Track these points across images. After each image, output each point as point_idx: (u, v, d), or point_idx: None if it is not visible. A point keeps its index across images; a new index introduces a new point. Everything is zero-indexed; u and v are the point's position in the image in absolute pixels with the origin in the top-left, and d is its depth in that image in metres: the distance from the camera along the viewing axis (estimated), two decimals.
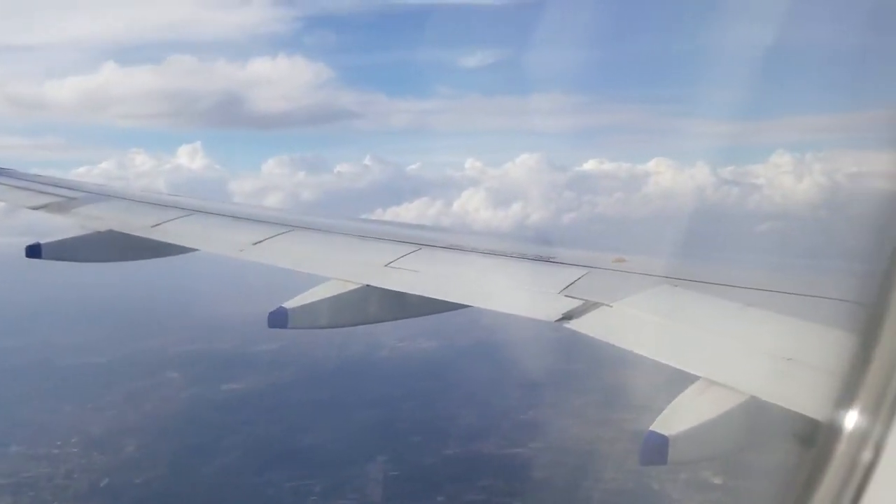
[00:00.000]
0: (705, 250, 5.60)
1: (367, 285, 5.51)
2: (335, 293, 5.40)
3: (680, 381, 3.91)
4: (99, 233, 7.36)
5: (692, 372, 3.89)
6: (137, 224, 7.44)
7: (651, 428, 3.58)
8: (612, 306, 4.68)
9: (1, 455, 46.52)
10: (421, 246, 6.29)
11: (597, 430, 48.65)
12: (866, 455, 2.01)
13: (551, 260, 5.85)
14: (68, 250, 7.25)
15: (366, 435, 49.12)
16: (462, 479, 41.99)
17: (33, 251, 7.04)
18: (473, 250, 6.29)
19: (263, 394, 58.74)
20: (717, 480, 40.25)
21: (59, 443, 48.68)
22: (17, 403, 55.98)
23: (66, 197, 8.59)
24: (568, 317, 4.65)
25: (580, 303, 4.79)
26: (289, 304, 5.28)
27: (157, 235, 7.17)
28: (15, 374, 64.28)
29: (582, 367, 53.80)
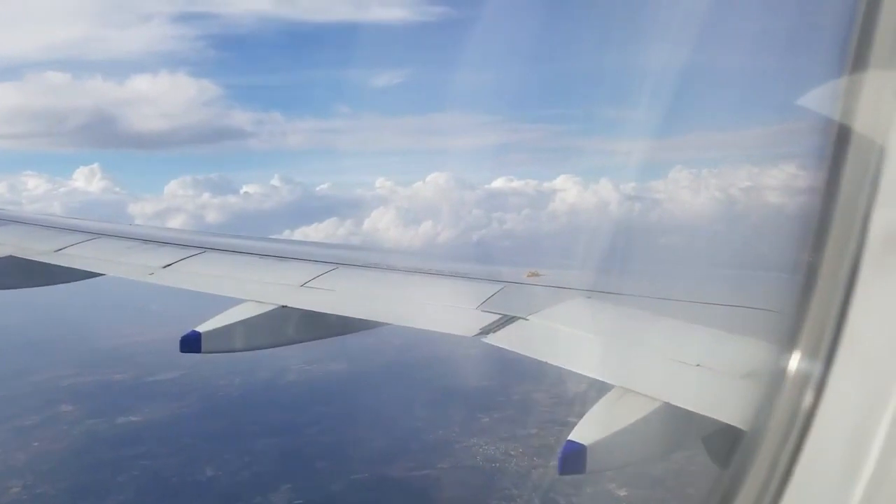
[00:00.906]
0: (614, 263, 5.76)
1: (283, 306, 5.41)
2: (250, 315, 5.28)
3: (596, 390, 4.00)
4: None
5: (607, 381, 3.99)
6: (39, 249, 7.12)
7: (569, 437, 3.64)
8: (528, 319, 4.75)
9: None
10: (337, 265, 6.23)
11: (505, 445, 49.24)
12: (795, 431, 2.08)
13: (467, 276, 5.91)
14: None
15: (269, 464, 47.92)
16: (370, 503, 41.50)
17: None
18: (390, 268, 6.31)
19: (162, 425, 56.44)
20: (623, 492, 41.25)
21: None
22: None
23: None
24: (486, 331, 4.70)
25: (497, 317, 4.84)
26: (202, 328, 5.13)
27: (61, 261, 6.87)
28: None
29: (497, 382, 54.53)
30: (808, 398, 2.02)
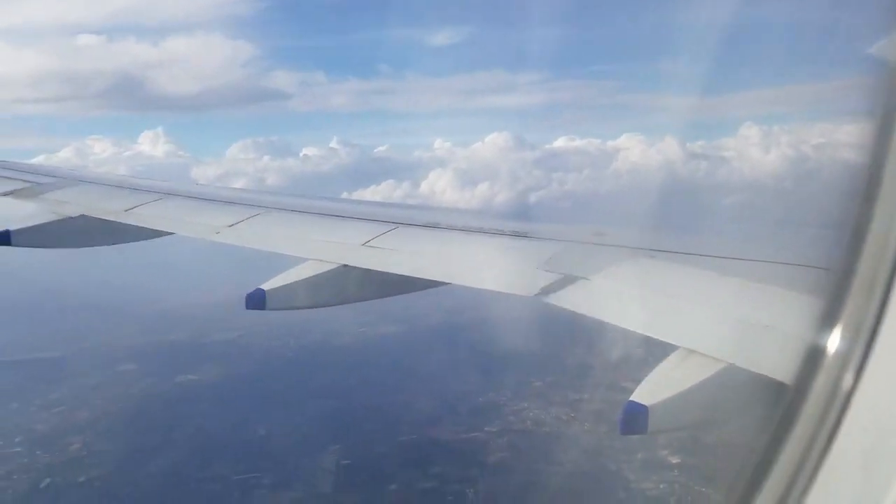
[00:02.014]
0: (679, 222, 5.65)
1: (345, 265, 5.47)
2: (313, 274, 5.38)
3: (659, 351, 3.93)
4: (71, 218, 7.21)
5: (671, 342, 3.92)
6: (110, 208, 7.31)
7: (631, 398, 3.61)
8: (590, 279, 4.68)
9: None
10: (397, 225, 6.26)
11: (557, 410, 49.21)
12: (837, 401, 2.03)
13: (528, 236, 5.85)
14: (39, 237, 7.09)
15: (319, 424, 48.84)
16: (415, 466, 42.02)
17: (2, 238, 6.87)
18: (451, 228, 6.29)
19: (217, 385, 57.98)
20: (675, 459, 41.07)
21: (0, 443, 47.34)
22: None
23: (33, 182, 8.42)
24: (546, 291, 4.65)
25: (559, 277, 4.80)
26: (266, 286, 5.26)
27: (131, 220, 7.07)
28: None
29: (553, 345, 54.26)
30: (847, 378, 1.98)
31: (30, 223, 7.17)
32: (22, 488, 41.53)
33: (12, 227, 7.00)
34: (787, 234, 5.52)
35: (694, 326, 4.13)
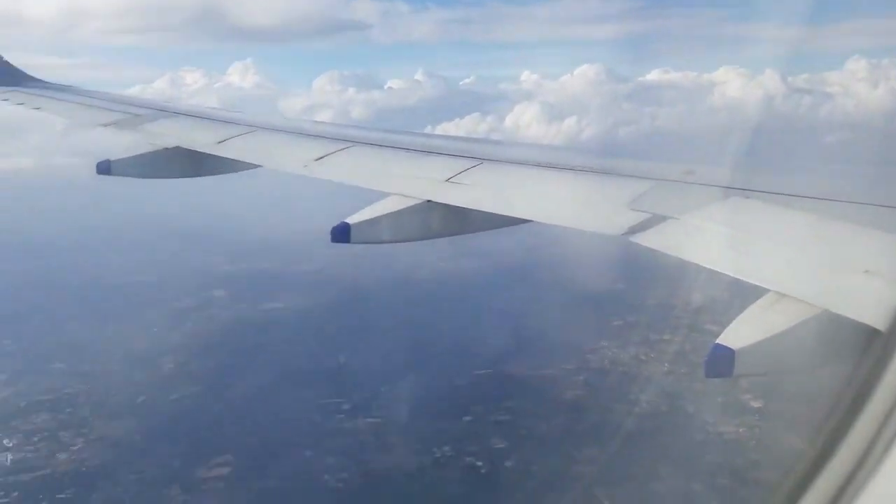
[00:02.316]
0: (777, 162, 5.39)
1: (428, 201, 5.49)
2: (396, 209, 5.43)
3: (747, 295, 3.80)
4: (166, 149, 7.51)
5: (762, 285, 3.78)
6: (203, 141, 7.58)
7: (718, 341, 3.53)
8: (679, 219, 4.54)
9: (44, 371, 48.15)
10: (482, 160, 6.21)
11: (636, 350, 48.83)
12: None
13: (616, 173, 5.72)
14: (136, 167, 7.41)
15: (397, 355, 49.85)
16: (490, 399, 42.58)
17: (103, 168, 7.20)
18: (536, 164, 6.20)
19: (301, 314, 59.84)
20: (757, 404, 40.37)
21: (100, 360, 50.20)
22: (64, 321, 57.74)
23: (131, 114, 8.80)
24: (634, 230, 4.54)
25: (647, 216, 4.67)
26: (351, 219, 5.33)
27: (223, 152, 7.31)
28: (65, 292, 66.19)
29: (635, 285, 53.89)
30: None
31: (128, 154, 7.47)
32: (121, 403, 44.09)
33: (112, 157, 7.30)
34: (892, 175, 5.20)
35: (787, 270, 3.97)
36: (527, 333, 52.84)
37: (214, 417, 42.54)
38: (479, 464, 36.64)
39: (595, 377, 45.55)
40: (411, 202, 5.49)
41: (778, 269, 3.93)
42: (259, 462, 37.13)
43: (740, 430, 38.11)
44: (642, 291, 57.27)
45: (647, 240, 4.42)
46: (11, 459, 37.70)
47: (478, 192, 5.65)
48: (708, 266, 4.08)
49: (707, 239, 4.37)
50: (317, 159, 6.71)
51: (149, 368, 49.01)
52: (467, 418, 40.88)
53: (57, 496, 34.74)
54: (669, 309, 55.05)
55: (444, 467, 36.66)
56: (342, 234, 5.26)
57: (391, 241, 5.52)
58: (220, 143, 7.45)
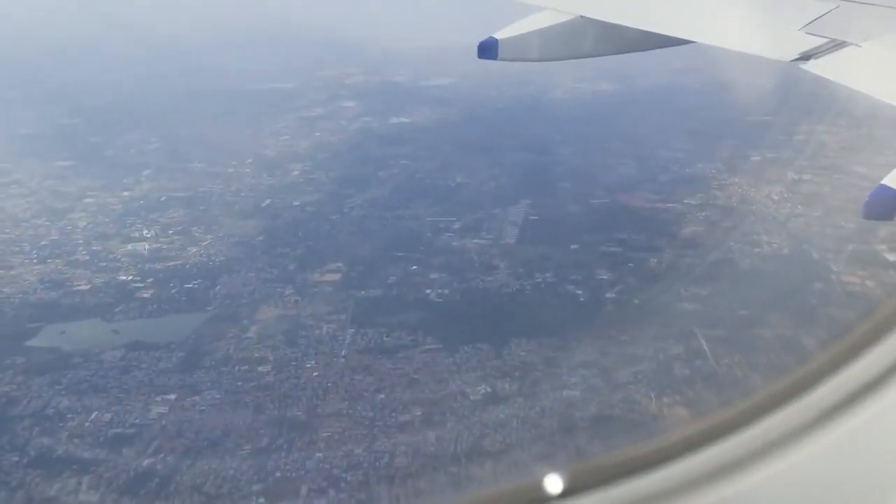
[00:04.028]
0: None
1: (582, 16, 4.98)
2: (548, 24, 4.98)
3: None
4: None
5: None
6: None
7: (883, 181, 2.98)
8: (861, 46, 3.85)
9: (182, 169, 51.50)
10: None
11: (770, 188, 45.68)
12: None
13: None
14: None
15: (517, 178, 49.28)
16: (600, 229, 41.38)
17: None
18: None
19: (428, 129, 59.82)
20: (893, 257, 37.13)
21: (234, 163, 52.83)
22: (204, 123, 60.84)
23: None
24: (806, 56, 3.94)
25: (824, 41, 4.07)
26: (500, 35, 4.95)
27: None
28: (208, 94, 69.34)
29: (793, 116, 50.11)
30: None
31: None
32: (247, 205, 46.64)
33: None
34: None
35: None
36: (654, 164, 50.41)
37: (333, 225, 44.22)
38: (579, 292, 36.29)
39: (717, 214, 43.13)
40: (564, 17, 5.03)
41: None
42: (367, 272, 38.61)
43: (867, 282, 35.26)
44: (797, 124, 52.87)
45: (819, 67, 3.80)
46: (148, 249, 41.37)
47: (637, 7, 5.15)
48: (885, 100, 3.41)
49: (888, 69, 3.65)
50: None
51: (278, 174, 51.20)
52: (574, 246, 40.12)
53: (185, 286, 37.83)
54: (821, 146, 50.78)
55: (543, 292, 36.62)
56: (489, 49, 5.08)
57: (539, 60, 5.26)
58: None
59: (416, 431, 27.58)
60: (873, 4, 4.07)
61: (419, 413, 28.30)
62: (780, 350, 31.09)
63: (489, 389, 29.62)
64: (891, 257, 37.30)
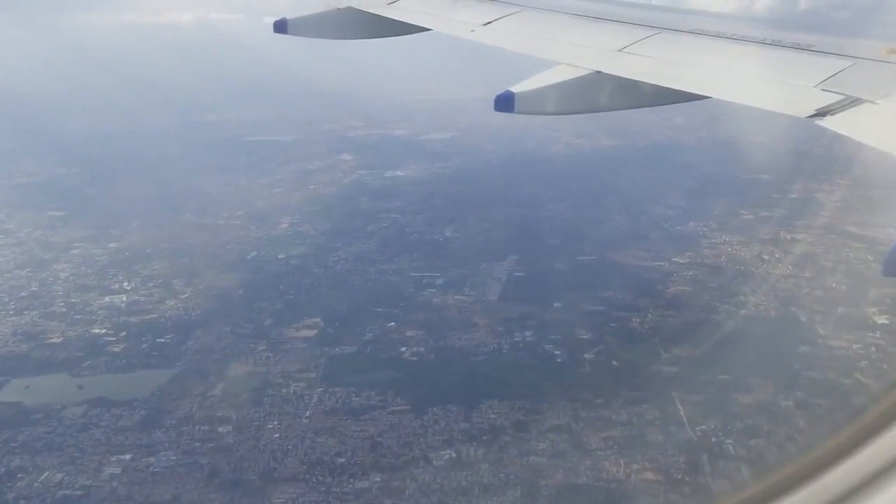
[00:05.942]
0: None
1: (598, 71, 5.03)
2: (564, 79, 4.74)
3: None
4: (339, 10, 7.79)
5: None
6: (374, 1, 7.80)
7: None
8: (877, 103, 3.91)
9: (172, 221, 51.68)
10: (659, 30, 5.82)
11: (760, 248, 44.86)
12: None
13: (809, 49, 5.11)
14: (311, 27, 7.78)
15: (506, 233, 48.89)
16: (585, 287, 40.51)
17: (280, 27, 7.56)
18: (718, 35, 5.68)
19: (421, 182, 59.87)
20: (882, 320, 36.02)
21: (225, 214, 52.95)
22: (199, 175, 61.18)
23: None
24: (823, 112, 4.00)
25: (840, 98, 4.06)
26: (516, 88, 5.06)
27: (393, 14, 7.48)
28: (206, 146, 70.04)
29: (800, 174, 49.52)
30: None
31: (304, 13, 7.82)
32: (231, 259, 46.44)
33: (290, 16, 7.62)
34: None
35: None
36: (645, 221, 49.88)
37: (315, 279, 43.79)
38: (557, 352, 35.37)
39: (705, 274, 42.29)
40: (580, 72, 5.11)
41: None
42: (344, 328, 37.91)
43: (854, 346, 34.13)
44: (788, 183, 52.26)
45: (835, 124, 3.92)
46: (125, 301, 41.04)
47: (652, 63, 5.19)
48: None
49: None
50: (485, 24, 6.60)
51: (267, 226, 51.07)
52: (557, 304, 39.29)
53: (157, 340, 37.31)
54: (815, 205, 49.97)
55: (520, 351, 35.76)
56: (506, 102, 5.02)
57: (555, 113, 5.37)
58: (391, 4, 7.59)
59: (373, 500, 26.60)
60: (889, 63, 4.34)
61: (378, 480, 27.32)
62: (757, 416, 30.06)
63: (454, 455, 28.65)
64: (880, 320, 36.23)
